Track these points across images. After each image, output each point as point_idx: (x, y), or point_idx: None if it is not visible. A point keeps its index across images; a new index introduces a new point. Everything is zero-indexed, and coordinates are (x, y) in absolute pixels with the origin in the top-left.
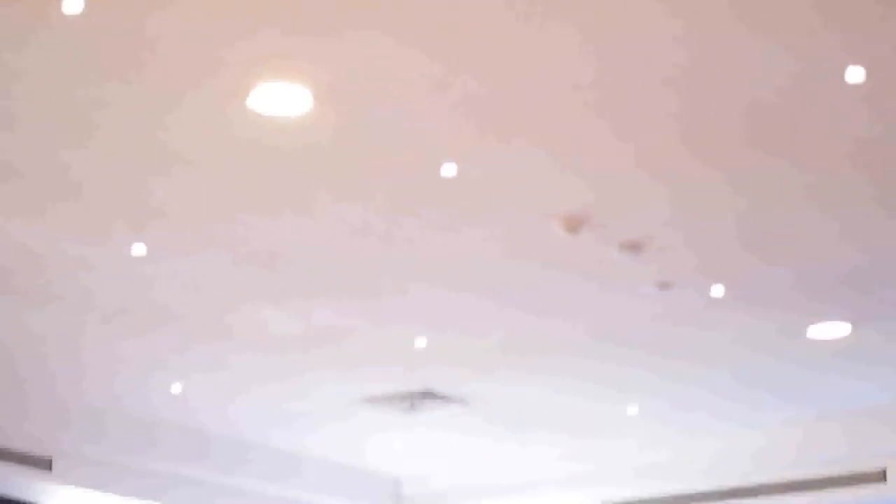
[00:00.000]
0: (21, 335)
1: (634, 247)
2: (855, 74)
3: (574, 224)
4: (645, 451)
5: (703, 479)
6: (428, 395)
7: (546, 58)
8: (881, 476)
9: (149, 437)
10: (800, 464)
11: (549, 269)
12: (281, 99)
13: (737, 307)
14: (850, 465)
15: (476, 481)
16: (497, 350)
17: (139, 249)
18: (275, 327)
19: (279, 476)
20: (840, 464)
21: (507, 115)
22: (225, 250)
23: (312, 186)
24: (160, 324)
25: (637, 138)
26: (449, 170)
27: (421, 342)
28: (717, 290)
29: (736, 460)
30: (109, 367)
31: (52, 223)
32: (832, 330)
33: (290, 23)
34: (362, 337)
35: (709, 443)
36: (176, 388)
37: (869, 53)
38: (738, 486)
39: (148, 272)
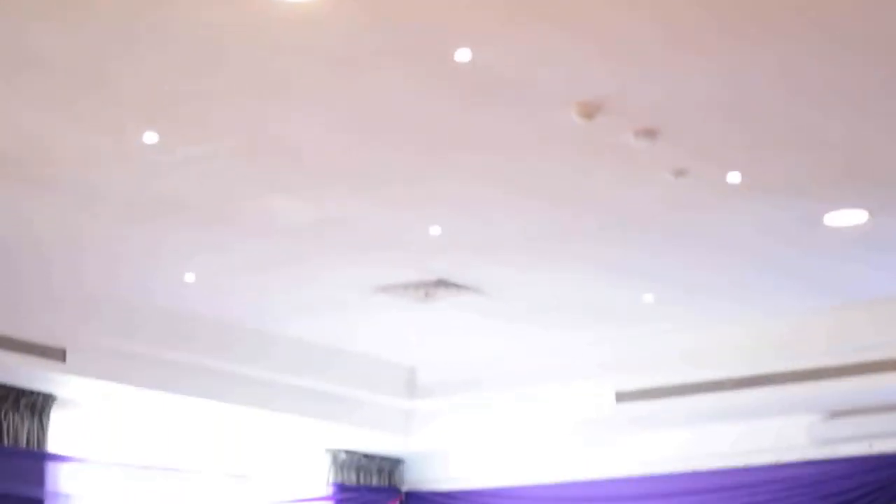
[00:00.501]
0: (33, 226)
1: (650, 134)
2: None
3: (589, 110)
4: (662, 339)
5: (721, 367)
6: (442, 283)
7: None
8: None
9: (162, 328)
10: (821, 352)
11: (565, 156)
12: None
13: (753, 194)
14: (873, 352)
15: (491, 370)
16: (512, 238)
17: (150, 138)
18: (287, 216)
19: (293, 365)
20: (863, 352)
21: None
22: (237, 139)
23: (325, 74)
24: (172, 214)
25: (656, 23)
26: (463, 55)
27: (435, 230)
28: (734, 178)
29: (754, 349)
30: (122, 257)
31: (65, 113)
32: (849, 217)
33: None
34: (376, 225)
35: (726, 331)
36: (189, 278)
37: None
38: (757, 374)
39: (159, 162)
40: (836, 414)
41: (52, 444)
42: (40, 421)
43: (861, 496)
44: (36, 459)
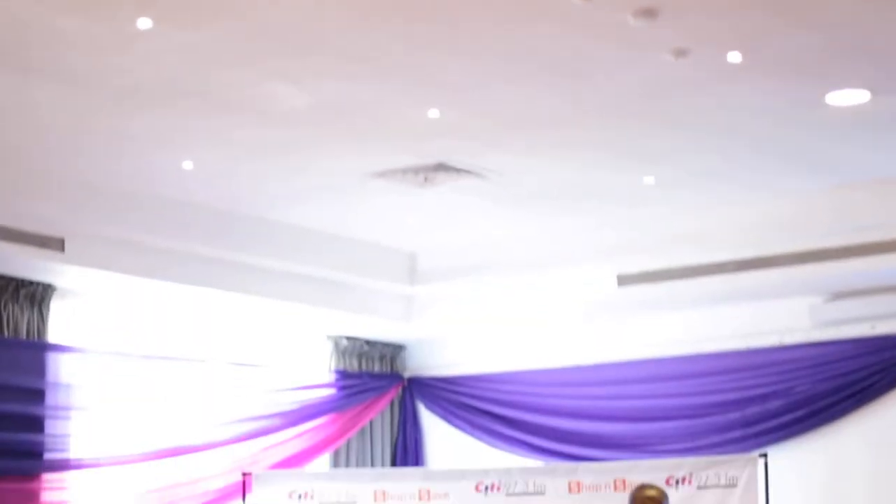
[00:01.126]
0: (30, 115)
1: (649, 13)
2: None
3: None
4: (663, 222)
5: (723, 249)
6: (442, 167)
7: None
8: None
9: (161, 216)
10: (824, 233)
11: (564, 37)
12: None
13: (754, 75)
14: (875, 233)
15: (492, 255)
16: (511, 121)
17: (144, 24)
18: (285, 101)
19: (293, 252)
20: (865, 232)
21: None
22: (231, 23)
23: None
24: (169, 100)
25: None
26: None
27: (434, 113)
28: (734, 58)
29: (756, 231)
30: (120, 146)
31: None
32: (851, 97)
33: None
34: (374, 109)
35: (728, 213)
36: (187, 165)
37: None
38: (759, 255)
39: (154, 47)
40: (839, 295)
41: (53, 335)
42: (40, 311)
43: (863, 377)
44: (36, 350)
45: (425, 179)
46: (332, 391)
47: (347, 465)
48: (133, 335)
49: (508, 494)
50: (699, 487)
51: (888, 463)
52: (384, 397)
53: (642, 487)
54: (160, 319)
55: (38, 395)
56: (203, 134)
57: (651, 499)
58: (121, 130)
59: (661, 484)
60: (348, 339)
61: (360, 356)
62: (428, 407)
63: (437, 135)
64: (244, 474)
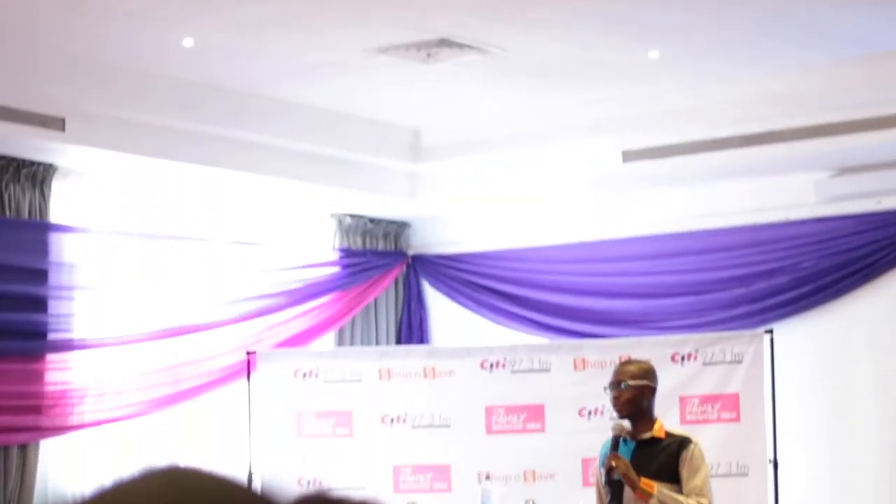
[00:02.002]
0: None
1: None
2: None
3: None
4: (668, 97)
5: (728, 124)
6: (444, 43)
7: None
8: None
9: (162, 95)
10: (830, 108)
11: None
12: None
13: None
14: (882, 107)
15: (496, 131)
16: None
17: None
18: None
19: (295, 130)
20: (872, 107)
21: None
22: None
23: None
24: None
25: None
26: None
27: None
28: None
29: (761, 106)
30: (120, 22)
31: None
32: None
33: None
34: None
35: (733, 88)
36: (187, 42)
37: None
38: (764, 131)
39: None
40: (845, 170)
41: (55, 215)
42: (41, 191)
43: (870, 253)
44: (38, 230)
45: (428, 55)
46: (336, 269)
47: (352, 343)
48: (136, 214)
49: (513, 371)
50: (705, 363)
51: (894, 338)
52: (388, 275)
53: (621, 363)
54: (162, 198)
55: (40, 275)
56: (203, 10)
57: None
58: (120, 5)
59: (666, 360)
60: (352, 216)
61: (363, 234)
62: (432, 284)
63: (439, 10)
64: (248, 353)
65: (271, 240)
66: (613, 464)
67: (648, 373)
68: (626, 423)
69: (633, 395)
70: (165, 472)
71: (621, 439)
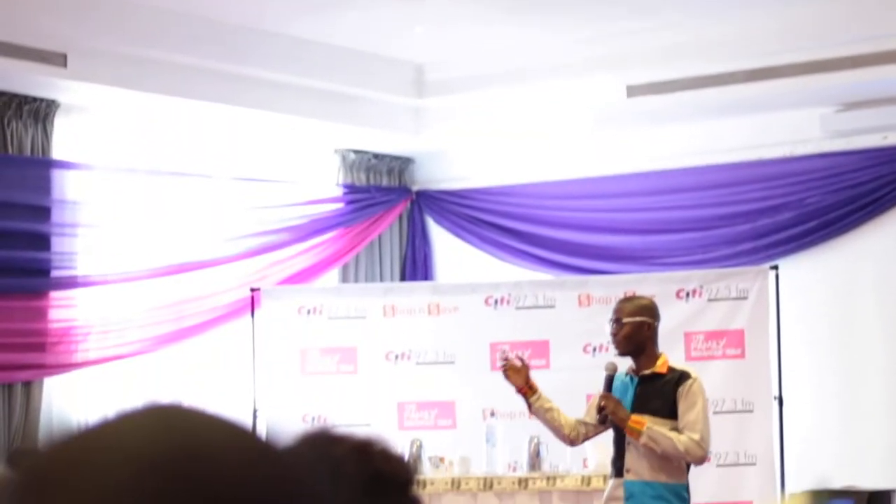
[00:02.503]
0: None
1: None
2: None
3: None
4: (673, 32)
5: (733, 59)
6: None
7: None
8: None
9: (164, 29)
10: (835, 42)
11: None
12: None
13: None
14: (888, 42)
15: (500, 67)
16: None
17: None
18: None
19: (297, 65)
20: (878, 41)
21: None
22: None
23: None
24: None
25: None
26: None
27: None
28: None
29: (766, 40)
30: None
31: None
32: None
33: None
34: None
35: (738, 22)
36: None
37: None
38: (769, 65)
39: None
40: (850, 105)
41: (57, 151)
42: (44, 128)
43: (875, 188)
44: (41, 167)
45: None
46: (339, 205)
47: (356, 280)
48: (139, 151)
49: (518, 308)
50: (709, 300)
51: None
52: (392, 211)
53: (620, 300)
54: (166, 135)
55: (43, 212)
56: None
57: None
58: None
59: (670, 297)
60: (356, 152)
61: (367, 170)
62: (437, 221)
63: None
64: (252, 290)
65: (275, 176)
66: (602, 403)
67: (646, 309)
68: (619, 364)
69: (631, 331)
70: (165, 409)
71: (627, 375)
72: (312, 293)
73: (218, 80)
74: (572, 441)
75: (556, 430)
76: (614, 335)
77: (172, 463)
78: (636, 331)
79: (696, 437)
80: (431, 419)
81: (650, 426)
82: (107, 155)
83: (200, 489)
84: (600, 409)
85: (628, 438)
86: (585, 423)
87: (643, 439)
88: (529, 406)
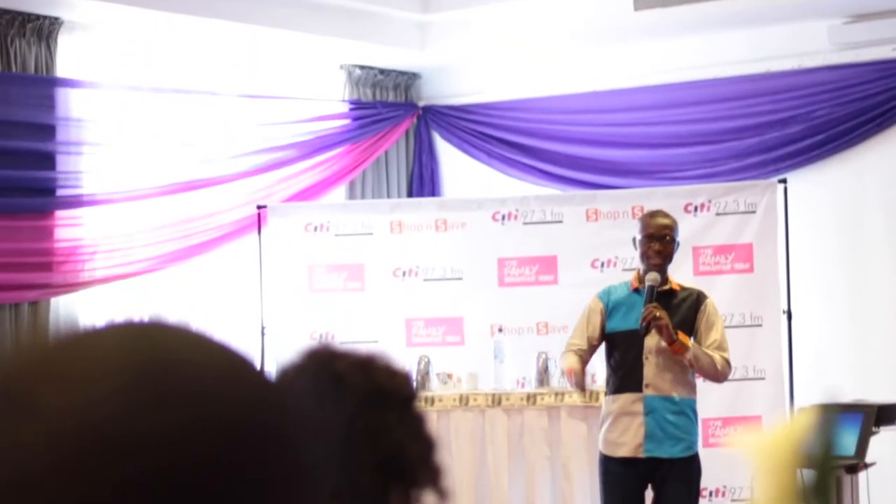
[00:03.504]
0: None
1: None
2: None
3: None
4: None
5: None
6: None
7: None
8: None
9: None
10: None
11: None
12: None
13: None
14: None
15: None
16: None
17: None
18: None
19: None
20: None
21: None
22: None
23: None
24: None
25: None
26: None
27: None
28: None
29: None
30: None
31: None
32: None
33: None
34: None
35: None
36: None
37: None
38: None
39: None
40: (859, 17)
41: (61, 70)
42: (48, 46)
43: (884, 101)
44: (45, 85)
45: None
46: (346, 122)
47: (363, 196)
48: (143, 69)
49: (525, 223)
50: (718, 214)
51: None
52: (399, 127)
53: (655, 214)
54: (170, 52)
55: (48, 130)
56: None
57: (667, 227)
58: None
59: (678, 211)
60: (361, 67)
61: (373, 86)
62: (444, 136)
63: None
64: (259, 207)
65: (280, 93)
66: (657, 314)
67: (676, 226)
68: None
69: (673, 249)
70: (143, 325)
71: (634, 290)
72: (319, 210)
73: None
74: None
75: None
76: (660, 252)
77: (147, 379)
78: (675, 249)
79: (727, 355)
80: (439, 336)
81: (694, 344)
82: (111, 73)
83: (177, 407)
84: (649, 320)
85: (646, 353)
86: (584, 350)
87: (689, 355)
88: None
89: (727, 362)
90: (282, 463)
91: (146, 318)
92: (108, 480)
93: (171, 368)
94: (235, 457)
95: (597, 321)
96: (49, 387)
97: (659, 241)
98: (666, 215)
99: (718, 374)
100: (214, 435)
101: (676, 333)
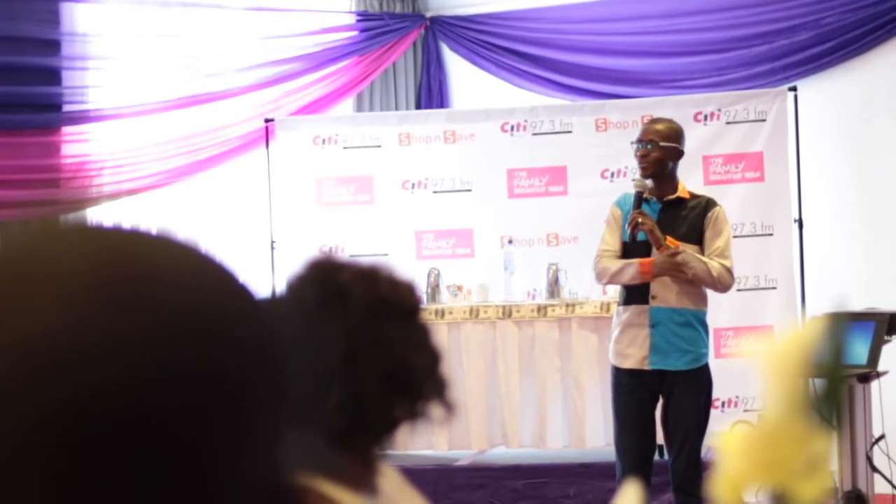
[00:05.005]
0: None
1: None
2: None
3: None
4: None
5: None
6: None
7: None
8: None
9: None
10: None
11: None
12: None
13: None
14: None
15: None
16: None
17: None
18: None
19: None
20: None
21: None
22: None
23: None
24: None
25: None
26: None
27: None
28: None
29: None
30: None
31: None
32: None
33: None
34: None
35: None
36: None
37: None
38: None
39: None
40: None
41: None
42: None
43: (893, 8)
44: (49, 0)
45: None
46: (353, 33)
47: (371, 108)
48: None
49: (535, 134)
50: (728, 122)
51: None
52: (406, 38)
53: (650, 122)
54: None
55: (53, 45)
56: None
57: (651, 132)
58: None
59: (688, 120)
60: None
61: None
62: (451, 47)
63: None
64: (266, 121)
65: (287, 5)
66: (640, 220)
67: (677, 134)
68: (649, 182)
69: (661, 155)
70: (110, 230)
71: (644, 199)
72: (327, 123)
73: None
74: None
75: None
76: (644, 156)
77: (107, 285)
78: (667, 155)
79: (728, 263)
80: (449, 247)
81: (684, 249)
82: None
83: (138, 316)
84: (634, 227)
85: None
86: (618, 254)
87: (679, 259)
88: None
89: (727, 270)
90: (259, 377)
91: (107, 225)
92: (52, 402)
93: (140, 273)
94: (203, 371)
95: (617, 229)
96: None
97: (643, 145)
98: (659, 121)
99: (715, 282)
100: (185, 348)
101: (665, 238)
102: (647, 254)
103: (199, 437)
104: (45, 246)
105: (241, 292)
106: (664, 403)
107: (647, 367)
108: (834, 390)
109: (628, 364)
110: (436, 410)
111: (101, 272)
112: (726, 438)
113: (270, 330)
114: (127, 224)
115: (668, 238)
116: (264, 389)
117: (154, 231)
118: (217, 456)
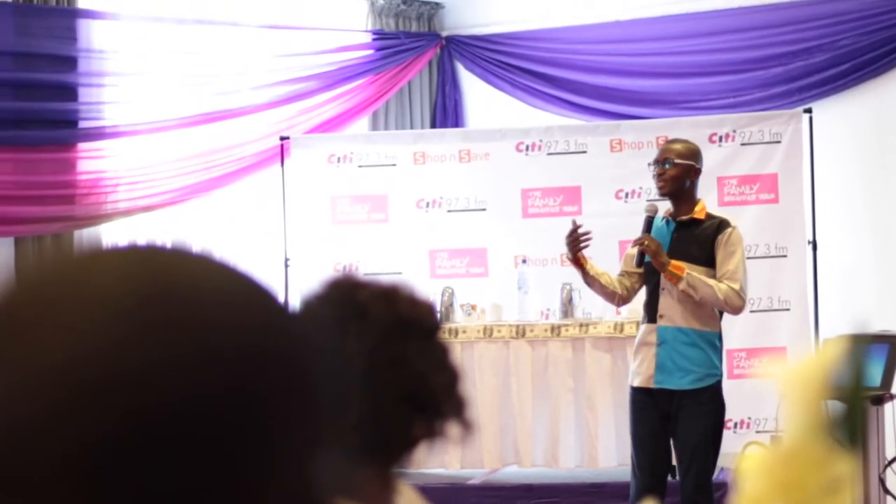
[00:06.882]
0: None
1: None
2: None
3: None
4: None
5: None
6: None
7: None
8: None
9: None
10: None
11: None
12: None
13: None
14: None
15: None
16: None
17: None
18: None
19: None
20: None
21: None
22: None
23: None
24: None
25: None
26: None
27: None
28: None
29: None
30: None
31: None
32: None
33: None
34: None
35: None
36: None
37: None
38: None
39: None
40: None
41: (83, 0)
42: None
43: None
44: (67, 17)
45: None
46: (369, 52)
47: (386, 127)
48: (165, 0)
49: (549, 154)
50: (742, 143)
51: None
52: (422, 57)
53: (667, 142)
54: None
55: (70, 62)
56: None
57: (666, 151)
58: None
59: (703, 141)
60: None
61: (396, 15)
62: (467, 67)
63: None
64: (282, 139)
65: (303, 23)
66: (646, 242)
67: (695, 153)
68: (659, 206)
69: (678, 173)
70: (146, 249)
71: (664, 220)
72: (342, 141)
73: None
74: (625, 300)
75: (611, 295)
76: (660, 175)
77: (149, 306)
78: (684, 173)
79: (737, 286)
80: (463, 267)
81: (690, 272)
82: (133, 4)
83: (181, 336)
84: (642, 253)
85: (663, 283)
86: (629, 275)
87: (682, 285)
88: (585, 274)
89: (735, 292)
90: (294, 393)
91: (146, 243)
92: (97, 423)
93: (176, 293)
94: (239, 389)
95: (631, 250)
96: (38, 318)
97: (660, 165)
98: (676, 141)
99: (724, 305)
100: (222, 366)
101: (670, 262)
102: (656, 275)
103: (237, 455)
104: (81, 267)
105: (276, 307)
106: (672, 423)
107: (652, 386)
108: (855, 412)
109: (637, 382)
110: (454, 429)
111: (139, 294)
112: (745, 460)
113: (305, 344)
114: (160, 241)
115: (673, 262)
116: (299, 405)
117: (187, 247)
118: (253, 474)
